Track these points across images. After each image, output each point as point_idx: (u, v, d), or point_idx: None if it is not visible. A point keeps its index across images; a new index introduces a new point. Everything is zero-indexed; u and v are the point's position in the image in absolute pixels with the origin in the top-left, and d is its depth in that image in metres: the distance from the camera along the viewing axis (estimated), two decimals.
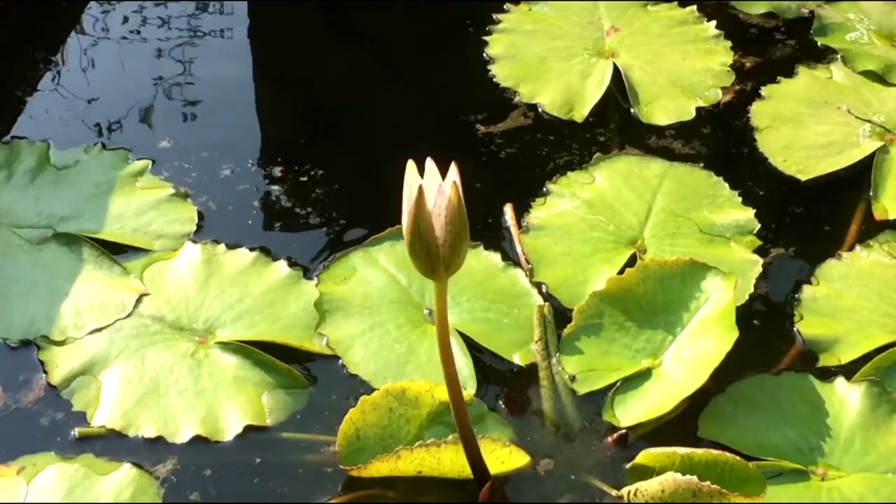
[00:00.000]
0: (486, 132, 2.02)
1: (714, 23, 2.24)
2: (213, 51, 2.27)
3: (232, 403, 1.57)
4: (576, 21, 2.25)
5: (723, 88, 2.13)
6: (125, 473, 1.48)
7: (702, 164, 1.94)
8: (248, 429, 1.55)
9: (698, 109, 2.08)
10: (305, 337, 1.66)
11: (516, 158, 1.98)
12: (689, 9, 2.28)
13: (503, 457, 1.48)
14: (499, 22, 2.24)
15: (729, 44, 2.22)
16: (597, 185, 1.89)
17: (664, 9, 2.29)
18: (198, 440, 1.54)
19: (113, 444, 1.53)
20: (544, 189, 1.89)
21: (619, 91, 2.11)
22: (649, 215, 1.84)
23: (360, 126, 2.07)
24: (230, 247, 1.77)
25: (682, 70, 2.16)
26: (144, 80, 2.17)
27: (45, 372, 1.61)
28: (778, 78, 2.12)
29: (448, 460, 1.44)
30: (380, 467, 1.45)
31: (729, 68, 2.17)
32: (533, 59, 2.16)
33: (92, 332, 1.65)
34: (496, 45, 2.19)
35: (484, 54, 2.17)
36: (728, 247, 1.80)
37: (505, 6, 2.27)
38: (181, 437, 1.54)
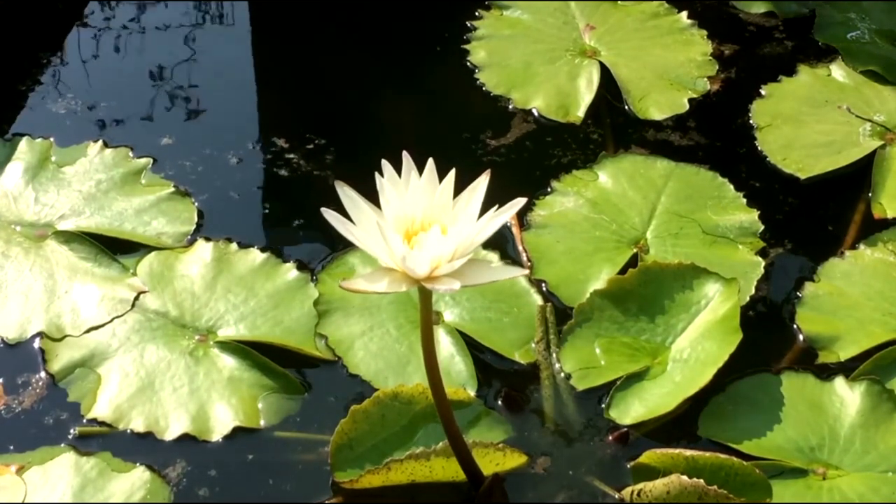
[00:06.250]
0: (493, 143, 2.01)
1: (686, 13, 2.25)
2: (214, 47, 2.27)
3: (224, 404, 1.57)
4: (551, 22, 2.24)
5: (709, 78, 2.13)
6: (138, 476, 1.48)
7: (707, 166, 1.93)
8: (242, 430, 1.55)
9: (690, 101, 2.09)
10: (307, 341, 1.66)
11: (518, 163, 1.97)
12: (657, 1, 2.28)
13: (497, 459, 1.47)
14: (475, 29, 2.23)
15: (705, 32, 2.22)
16: (601, 184, 1.89)
17: (633, 3, 2.28)
18: (188, 439, 1.54)
19: (114, 442, 1.53)
20: (548, 188, 1.89)
21: (608, 89, 2.11)
22: (653, 215, 1.84)
23: (360, 129, 2.07)
24: (242, 246, 1.77)
25: (666, 63, 2.16)
26: (146, 77, 2.17)
27: (44, 361, 1.61)
28: (779, 76, 2.12)
29: (440, 468, 1.44)
30: (371, 479, 1.44)
31: (711, 57, 2.17)
32: (518, 64, 2.15)
33: (89, 331, 1.65)
34: (478, 53, 2.17)
35: (467, 62, 2.16)
36: (731, 248, 1.80)
37: (477, 13, 2.26)
38: (170, 433, 1.54)
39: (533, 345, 1.66)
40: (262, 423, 1.57)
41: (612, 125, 2.05)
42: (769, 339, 1.70)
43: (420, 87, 2.19)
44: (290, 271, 1.74)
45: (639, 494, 1.44)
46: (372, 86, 2.19)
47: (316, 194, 1.90)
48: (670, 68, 2.15)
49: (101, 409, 1.56)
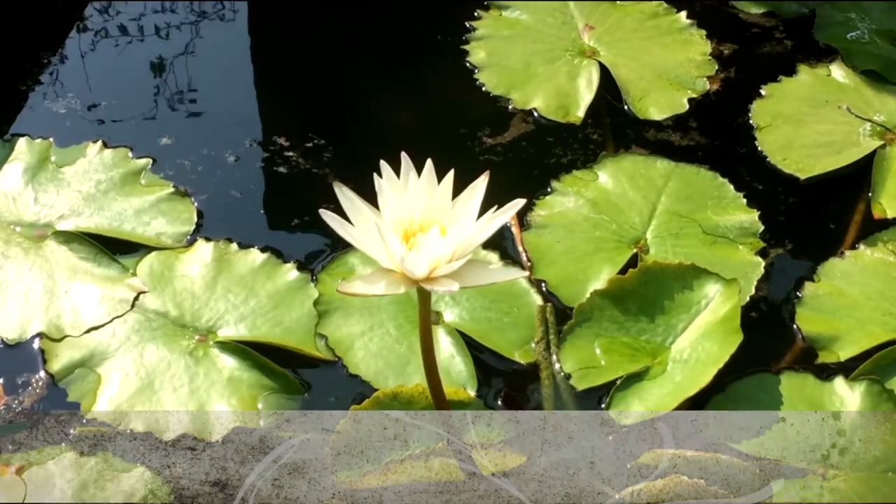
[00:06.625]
0: (493, 143, 2.01)
1: (685, 13, 2.24)
2: (214, 47, 2.27)
3: (224, 404, 1.57)
4: (550, 22, 2.24)
5: (709, 78, 2.13)
6: (138, 476, 1.48)
7: (707, 166, 1.93)
8: (242, 430, 1.55)
9: (690, 101, 2.08)
10: (307, 341, 1.66)
11: (518, 163, 1.97)
12: (656, 1, 2.28)
13: (497, 459, 1.48)
14: (474, 29, 2.23)
15: (704, 32, 2.22)
16: (601, 184, 1.89)
17: (632, 2, 2.28)
18: (188, 439, 1.54)
19: (114, 442, 1.53)
20: (548, 188, 1.89)
21: (608, 89, 2.11)
22: (653, 215, 1.84)
23: (359, 129, 2.07)
24: (242, 246, 1.77)
25: (666, 63, 2.16)
26: (145, 77, 2.17)
27: (44, 361, 1.61)
28: (779, 76, 2.12)
29: (439, 467, 1.44)
30: (371, 480, 1.44)
31: (710, 57, 2.17)
32: (518, 64, 2.15)
33: (89, 331, 1.65)
34: (477, 53, 2.17)
35: (466, 63, 2.16)
36: (731, 248, 1.80)
37: (476, 13, 2.26)
38: (170, 433, 1.54)
39: (533, 345, 1.66)
40: (261, 423, 1.57)
41: (612, 125, 2.05)
42: (769, 339, 1.70)
43: (419, 87, 2.19)
44: (290, 271, 1.74)
45: (639, 494, 1.44)
46: (371, 86, 2.19)
47: (316, 194, 1.90)
48: (669, 68, 2.15)
49: (101, 409, 1.56)
